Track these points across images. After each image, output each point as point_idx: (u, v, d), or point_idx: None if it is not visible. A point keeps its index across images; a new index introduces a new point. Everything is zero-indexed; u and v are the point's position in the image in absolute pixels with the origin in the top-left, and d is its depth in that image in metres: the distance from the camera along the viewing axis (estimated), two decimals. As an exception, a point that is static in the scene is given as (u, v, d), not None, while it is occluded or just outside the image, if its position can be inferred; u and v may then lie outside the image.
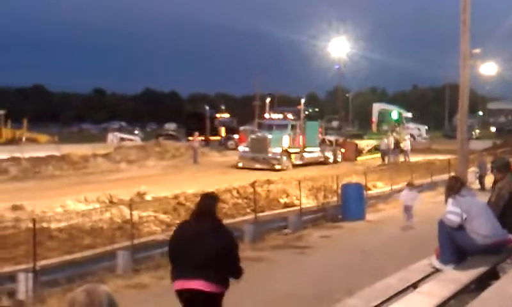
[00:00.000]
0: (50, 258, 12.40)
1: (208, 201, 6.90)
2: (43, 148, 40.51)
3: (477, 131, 78.48)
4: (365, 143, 49.37)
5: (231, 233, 6.90)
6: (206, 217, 6.68)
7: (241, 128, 56.77)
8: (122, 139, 56.99)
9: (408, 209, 17.62)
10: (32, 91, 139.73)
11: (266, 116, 42.63)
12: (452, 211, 7.93)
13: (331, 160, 40.18)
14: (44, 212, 17.06)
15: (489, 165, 24.82)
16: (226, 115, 60.26)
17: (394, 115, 56.60)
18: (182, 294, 6.48)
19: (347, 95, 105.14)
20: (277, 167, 34.79)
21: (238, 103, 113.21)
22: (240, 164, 36.36)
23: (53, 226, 15.15)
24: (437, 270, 7.89)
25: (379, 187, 24.80)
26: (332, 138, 46.09)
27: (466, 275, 7.24)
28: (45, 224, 14.88)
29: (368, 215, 19.47)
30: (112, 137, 59.30)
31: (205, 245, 6.41)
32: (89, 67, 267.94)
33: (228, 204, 19.14)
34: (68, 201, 18.92)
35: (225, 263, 6.48)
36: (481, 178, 26.49)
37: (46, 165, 32.82)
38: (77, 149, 38.79)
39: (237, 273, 6.62)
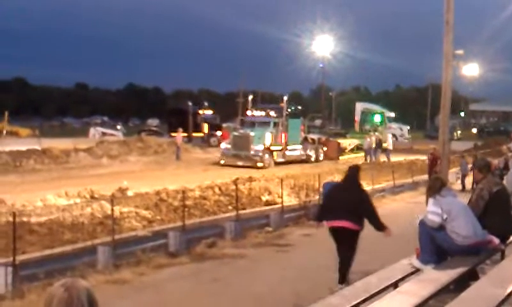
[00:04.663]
0: (30, 252, 12.29)
1: (353, 171, 10.86)
2: (24, 142, 40.17)
3: (459, 132, 78.76)
4: (348, 142, 49.38)
5: (366, 193, 11.11)
6: (351, 181, 10.61)
7: (224, 125, 56.66)
8: (104, 134, 56.71)
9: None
10: (13, 84, 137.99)
11: (248, 113, 42.50)
12: (432, 211, 7.97)
13: (313, 159, 40.20)
14: (24, 206, 16.89)
15: (469, 166, 25.05)
16: (209, 111, 59.83)
17: (377, 118, 56.98)
18: (333, 229, 10.23)
19: (330, 94, 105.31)
20: (259, 164, 34.77)
21: (222, 100, 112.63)
22: (222, 161, 36.31)
23: (33, 220, 14.98)
24: (417, 270, 7.94)
25: (361, 186, 24.80)
26: (314, 136, 46.10)
27: (445, 276, 7.28)
28: (25, 218, 14.71)
29: (350, 214, 19.41)
30: (94, 132, 59.07)
31: (348, 198, 10.08)
32: (72, 61, 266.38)
33: (210, 202, 19.05)
34: (48, 196, 18.71)
35: (362, 211, 10.04)
36: (462, 179, 26.70)
37: (27, 159, 32.50)
38: (59, 144, 38.40)
39: (376, 221, 10.10)
